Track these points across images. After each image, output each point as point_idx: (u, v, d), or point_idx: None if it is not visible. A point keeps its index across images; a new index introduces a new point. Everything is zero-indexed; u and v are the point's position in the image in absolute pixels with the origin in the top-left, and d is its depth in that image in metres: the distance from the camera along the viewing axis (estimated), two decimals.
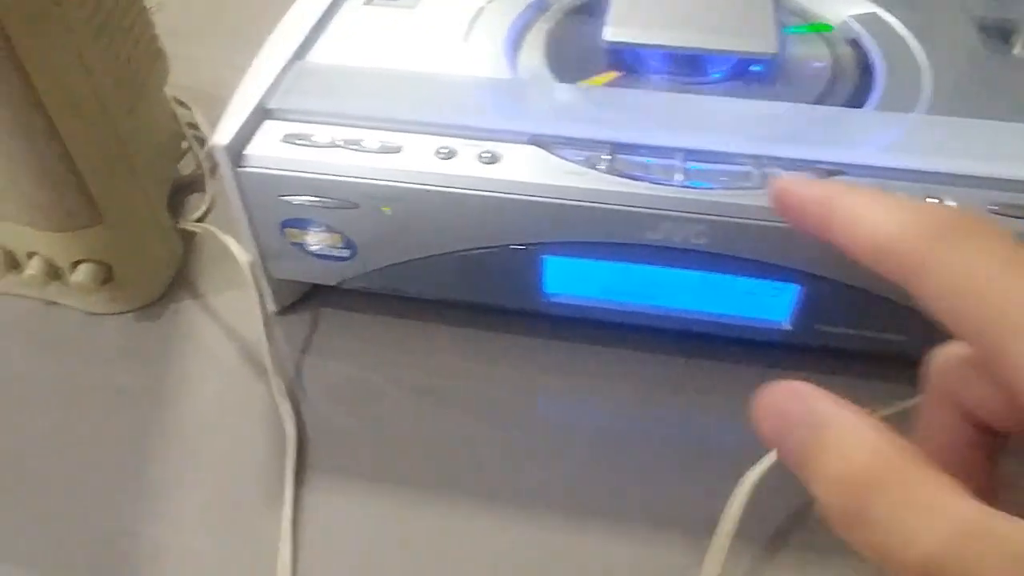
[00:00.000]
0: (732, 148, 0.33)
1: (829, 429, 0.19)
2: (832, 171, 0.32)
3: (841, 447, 0.19)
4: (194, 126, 0.50)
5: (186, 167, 0.48)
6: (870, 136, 0.33)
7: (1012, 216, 0.31)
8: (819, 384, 0.34)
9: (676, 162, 0.33)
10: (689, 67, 0.38)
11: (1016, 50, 0.39)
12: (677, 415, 0.37)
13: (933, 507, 0.17)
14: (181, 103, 0.50)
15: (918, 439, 0.23)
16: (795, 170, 0.32)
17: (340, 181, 0.33)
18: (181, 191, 0.47)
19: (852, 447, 0.18)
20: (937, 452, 0.20)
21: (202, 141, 0.49)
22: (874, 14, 0.41)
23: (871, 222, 0.21)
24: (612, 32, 0.37)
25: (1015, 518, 0.17)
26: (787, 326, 0.35)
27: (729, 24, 0.37)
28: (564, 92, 0.37)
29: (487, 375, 0.38)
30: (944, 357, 0.22)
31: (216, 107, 0.52)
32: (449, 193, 0.33)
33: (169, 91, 0.49)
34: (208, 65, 0.54)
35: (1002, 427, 0.21)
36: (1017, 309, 0.18)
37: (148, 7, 0.42)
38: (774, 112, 0.35)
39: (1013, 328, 0.18)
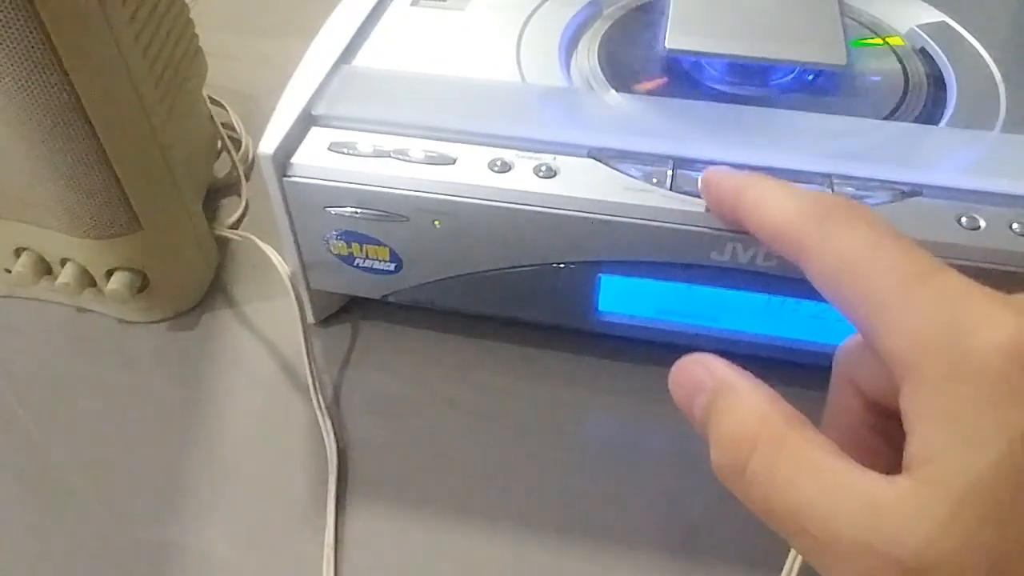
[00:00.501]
0: (803, 166, 0.31)
1: (726, 393, 0.22)
2: (909, 192, 0.30)
3: (733, 410, 0.21)
4: (228, 126, 0.49)
5: (220, 169, 0.47)
6: (950, 155, 0.32)
7: None
8: None
9: None
10: (751, 77, 0.36)
11: None
12: None
13: (801, 464, 0.19)
14: (216, 102, 0.49)
15: (825, 423, 0.25)
16: (870, 190, 0.30)
17: (390, 193, 0.32)
18: (215, 194, 0.45)
19: (742, 410, 0.21)
20: (840, 435, 0.22)
21: (237, 142, 0.48)
22: (942, 23, 0.39)
23: (771, 208, 0.24)
24: (674, 39, 0.35)
25: (874, 473, 0.19)
26: None
27: (796, 33, 0.35)
28: (623, 102, 0.35)
29: (533, 392, 0.37)
30: (846, 343, 0.25)
31: (250, 105, 0.51)
32: (505, 208, 0.31)
33: (204, 90, 0.47)
34: (241, 62, 0.53)
35: (893, 406, 0.21)
36: (880, 289, 0.20)
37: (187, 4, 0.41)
38: (846, 128, 0.33)
39: (878, 307, 0.20)
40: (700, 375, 0.23)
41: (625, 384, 0.37)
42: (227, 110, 0.49)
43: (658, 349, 0.36)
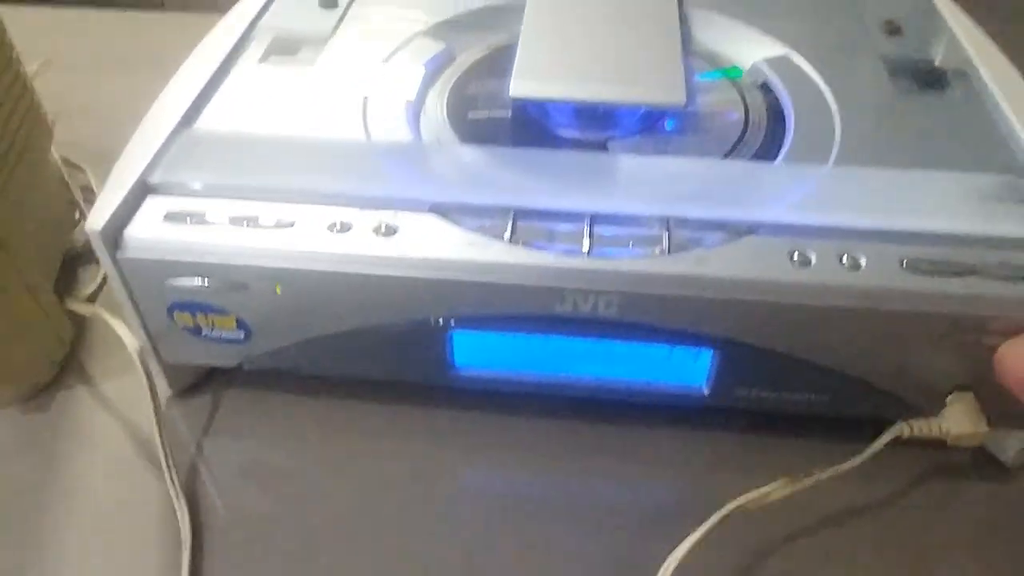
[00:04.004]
0: (640, 210, 0.31)
1: None
2: (744, 231, 0.31)
3: None
4: (88, 189, 0.47)
5: (82, 236, 0.45)
6: (781, 192, 0.32)
7: (923, 273, 0.30)
8: (743, 447, 0.31)
9: (582, 227, 0.31)
10: (596, 122, 0.37)
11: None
12: (599, 483, 0.35)
13: None
14: (73, 165, 0.48)
15: None
16: (706, 231, 0.31)
17: (226, 264, 0.31)
18: (74, 262, 0.44)
19: None
20: None
21: None
22: (785, 57, 0.40)
23: None
24: (518, 86, 0.35)
25: None
26: (705, 391, 0.34)
27: (637, 75, 0.36)
28: (465, 154, 0.35)
29: (401, 452, 0.36)
30: None
31: (110, 164, 0.49)
32: (343, 273, 0.31)
33: (59, 151, 0.46)
34: (100, 118, 0.51)
35: None
36: None
37: (26, 72, 0.39)
38: (682, 169, 0.33)
39: None
40: None
41: (493, 436, 0.36)
42: (85, 172, 0.48)
43: (522, 400, 0.36)
